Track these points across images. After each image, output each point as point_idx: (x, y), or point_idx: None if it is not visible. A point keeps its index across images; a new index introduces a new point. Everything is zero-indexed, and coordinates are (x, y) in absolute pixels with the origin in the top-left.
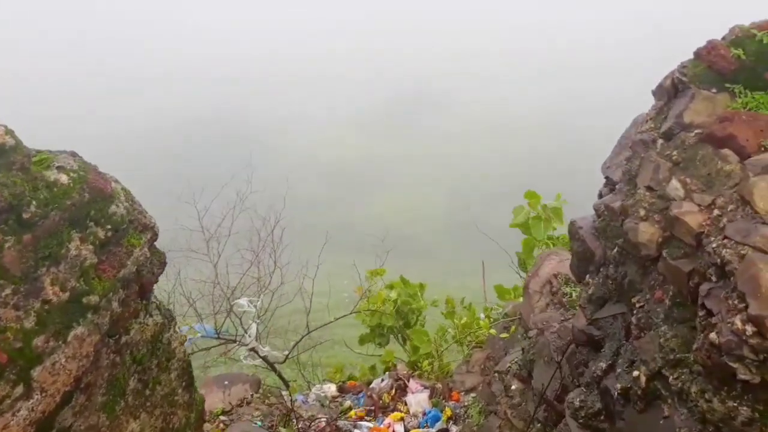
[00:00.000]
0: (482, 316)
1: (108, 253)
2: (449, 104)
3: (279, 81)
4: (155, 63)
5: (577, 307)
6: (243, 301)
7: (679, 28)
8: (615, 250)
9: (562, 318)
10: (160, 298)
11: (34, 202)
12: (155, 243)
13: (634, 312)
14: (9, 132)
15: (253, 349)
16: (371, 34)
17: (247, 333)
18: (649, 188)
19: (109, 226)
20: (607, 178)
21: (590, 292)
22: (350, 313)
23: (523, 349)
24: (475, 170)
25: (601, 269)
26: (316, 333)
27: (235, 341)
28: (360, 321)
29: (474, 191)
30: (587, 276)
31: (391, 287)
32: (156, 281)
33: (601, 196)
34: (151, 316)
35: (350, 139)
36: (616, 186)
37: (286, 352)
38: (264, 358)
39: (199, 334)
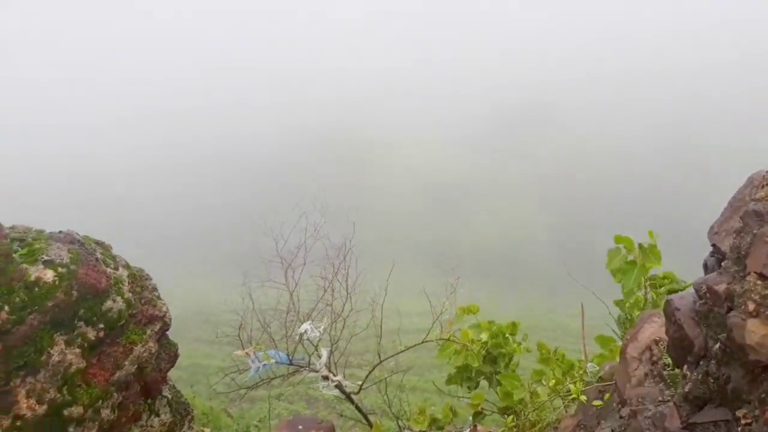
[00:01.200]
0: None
1: (100, 355)
2: (557, 125)
3: (390, 98)
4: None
5: (671, 405)
6: (306, 325)
7: None
8: (717, 345)
9: (660, 399)
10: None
11: (6, 308)
12: (167, 332)
13: (740, 429)
14: None
15: (326, 377)
16: (480, 50)
17: (318, 359)
18: (761, 276)
19: (102, 325)
20: (714, 246)
21: (687, 389)
22: (422, 342)
23: (613, 430)
24: (582, 193)
25: (701, 363)
26: (403, 361)
27: (306, 367)
28: (445, 360)
29: (580, 215)
30: (684, 366)
31: (479, 327)
32: (164, 377)
33: (706, 267)
34: (158, 415)
35: (454, 158)
36: (723, 262)
37: (360, 382)
38: (338, 387)
39: (273, 360)
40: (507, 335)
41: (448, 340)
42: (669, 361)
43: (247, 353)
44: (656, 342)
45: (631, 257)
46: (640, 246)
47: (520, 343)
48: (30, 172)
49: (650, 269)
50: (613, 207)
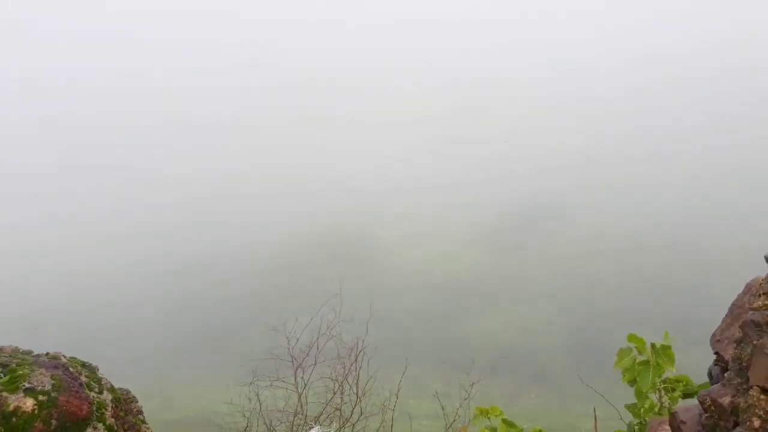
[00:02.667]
0: None
1: None
2: (565, 218)
3: (397, 198)
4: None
5: None
6: (315, 430)
7: None
8: None
9: None
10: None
11: None
12: None
13: None
14: None
15: None
16: (484, 146)
17: None
18: (764, 390)
19: None
20: (717, 354)
21: None
22: None
23: None
24: (592, 288)
25: None
26: None
27: None
28: None
29: (591, 311)
30: None
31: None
32: None
33: (711, 376)
34: None
35: (465, 254)
36: (726, 373)
37: None
38: None
39: None
40: None
41: None
42: None
43: None
44: None
45: (642, 357)
46: (653, 346)
47: None
48: (34, 289)
49: (664, 371)
50: (628, 305)
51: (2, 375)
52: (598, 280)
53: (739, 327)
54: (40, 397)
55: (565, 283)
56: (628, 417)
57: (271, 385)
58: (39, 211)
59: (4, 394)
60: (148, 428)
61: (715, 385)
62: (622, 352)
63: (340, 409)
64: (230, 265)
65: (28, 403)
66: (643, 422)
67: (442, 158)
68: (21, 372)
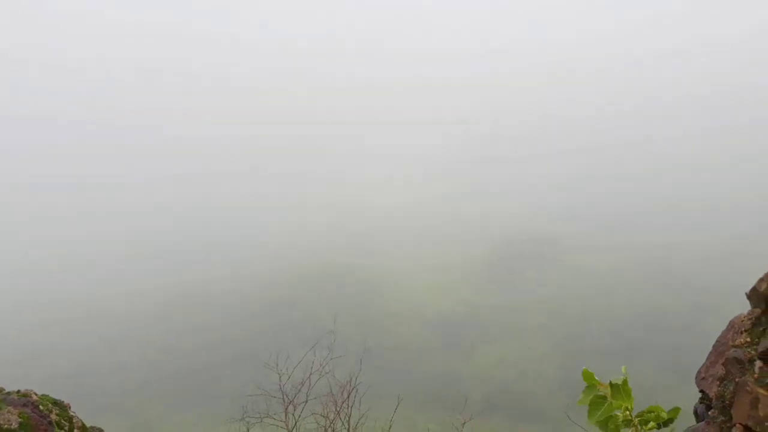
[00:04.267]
0: None
1: None
2: (556, 253)
3: (390, 234)
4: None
5: None
6: None
7: None
8: None
9: None
10: None
11: None
12: None
13: None
14: None
15: None
16: (476, 182)
17: None
18: (747, 428)
19: None
20: (702, 392)
21: None
22: None
23: None
24: (584, 321)
25: None
26: None
27: None
28: None
29: (583, 344)
30: None
31: None
32: None
33: (696, 413)
34: None
35: (457, 291)
36: (710, 411)
37: None
38: None
39: None
40: None
41: None
42: None
43: None
44: None
45: (601, 393)
46: (611, 383)
47: None
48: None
49: (621, 406)
50: (621, 338)
51: None
52: (590, 315)
53: (722, 364)
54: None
55: (558, 319)
56: None
57: (261, 421)
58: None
59: None
60: None
61: (699, 424)
62: (587, 390)
63: None
64: (221, 300)
65: None
66: None
67: (435, 195)
68: None
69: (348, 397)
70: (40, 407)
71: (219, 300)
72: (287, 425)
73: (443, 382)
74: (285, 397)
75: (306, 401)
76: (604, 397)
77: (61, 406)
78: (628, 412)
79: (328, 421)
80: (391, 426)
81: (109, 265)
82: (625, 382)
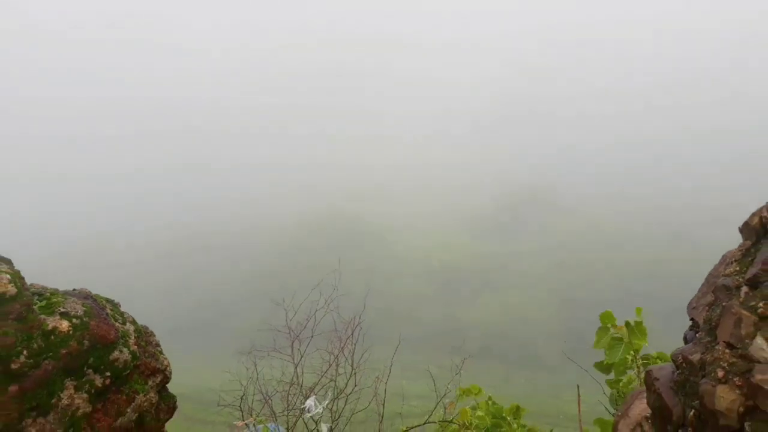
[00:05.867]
0: None
1: (105, 401)
2: (559, 204)
3: (397, 186)
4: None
5: None
6: (311, 401)
7: None
8: (692, 413)
9: None
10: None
11: (25, 352)
12: (167, 385)
13: None
14: (13, 280)
15: None
16: (482, 132)
17: None
18: (729, 345)
19: (108, 373)
20: (692, 320)
21: None
22: (424, 423)
23: None
24: (585, 271)
25: (680, 431)
26: None
27: None
28: None
29: (583, 294)
30: None
31: (479, 408)
32: (162, 427)
33: (686, 340)
34: None
35: (460, 239)
36: (698, 334)
37: None
38: None
39: None
40: (509, 418)
41: (450, 422)
42: None
43: (246, 424)
44: (647, 418)
45: (617, 335)
46: (627, 323)
47: (524, 425)
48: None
49: (639, 346)
50: (620, 287)
51: (38, 302)
52: (592, 265)
53: (712, 292)
54: (74, 320)
55: (559, 268)
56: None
57: (268, 355)
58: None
59: (42, 316)
60: (165, 358)
61: (687, 345)
62: (600, 332)
63: (335, 381)
64: (232, 245)
65: (64, 325)
66: (621, 395)
67: (442, 145)
68: (55, 299)
69: (352, 334)
70: (98, 301)
71: (232, 246)
72: (293, 359)
73: (443, 327)
74: (291, 332)
75: (312, 336)
76: (621, 339)
77: (113, 304)
78: (634, 353)
79: (332, 357)
80: (392, 365)
81: (127, 204)
82: (639, 323)
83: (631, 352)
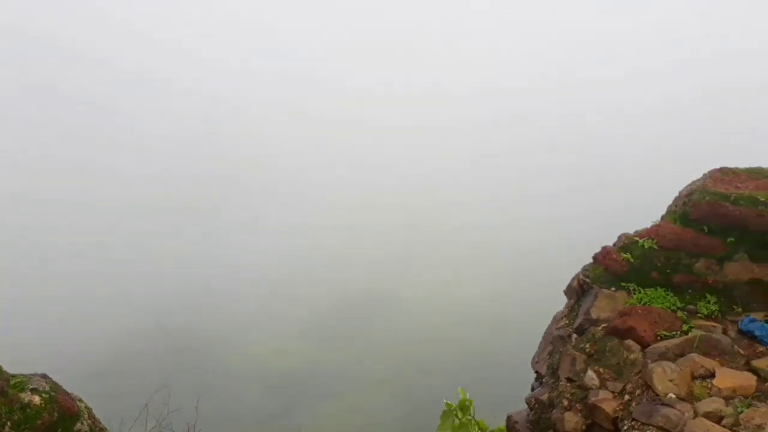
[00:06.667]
0: None
1: None
2: (395, 302)
3: (228, 294)
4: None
5: None
6: None
7: None
8: None
9: None
10: None
11: (9, 423)
12: None
13: None
14: None
15: None
16: (317, 237)
17: None
18: (569, 379)
19: None
20: (537, 372)
21: None
22: None
23: None
24: (424, 368)
25: None
26: None
27: None
28: None
29: (423, 392)
30: None
31: None
32: None
33: (533, 389)
34: None
35: (299, 347)
36: (543, 379)
37: None
38: None
39: None
40: None
41: None
42: None
43: None
44: None
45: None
46: (460, 403)
47: None
48: None
49: (481, 422)
50: (459, 379)
51: (8, 384)
52: (432, 362)
53: (550, 342)
54: (44, 395)
55: (401, 368)
56: None
57: None
58: None
59: (17, 393)
60: None
61: (536, 389)
62: (444, 415)
63: None
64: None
65: (36, 399)
66: None
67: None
68: (23, 379)
69: None
70: (56, 383)
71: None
72: None
73: None
74: None
75: None
76: (465, 425)
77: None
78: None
79: None
80: None
81: None
82: (462, 399)
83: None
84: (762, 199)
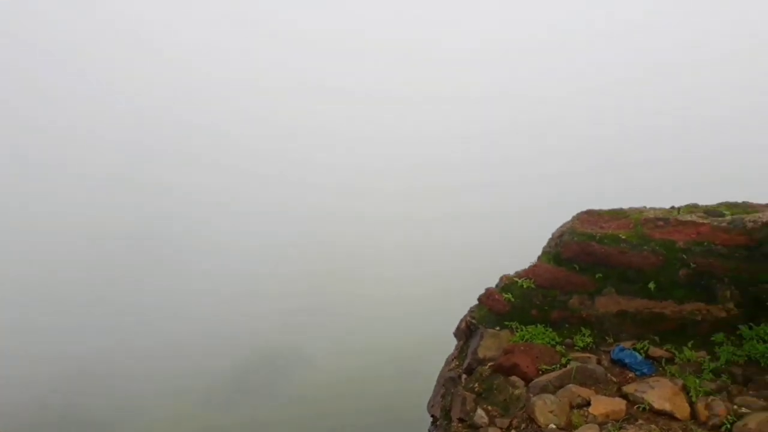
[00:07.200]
0: None
1: None
2: (300, 362)
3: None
4: None
5: None
6: None
7: None
8: None
9: None
10: None
11: None
12: None
13: None
14: None
15: None
16: (213, 305)
17: None
18: (461, 420)
19: None
20: (432, 416)
21: None
22: None
23: None
24: (341, 422)
25: None
26: None
27: None
28: None
29: None
30: None
31: None
32: None
33: None
34: None
35: (200, 413)
36: (438, 422)
37: None
38: None
39: None
40: None
41: None
42: None
43: None
44: None
45: None
46: None
47: None
48: None
49: None
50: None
51: None
52: (343, 416)
53: (442, 385)
54: None
55: (306, 428)
56: None
57: None
58: None
59: None
60: None
61: None
62: None
63: None
64: None
65: None
66: None
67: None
68: None
69: None
70: None
71: None
72: None
73: None
74: None
75: None
76: None
77: None
78: None
79: None
80: None
81: None
82: None
83: None
84: (623, 237)
